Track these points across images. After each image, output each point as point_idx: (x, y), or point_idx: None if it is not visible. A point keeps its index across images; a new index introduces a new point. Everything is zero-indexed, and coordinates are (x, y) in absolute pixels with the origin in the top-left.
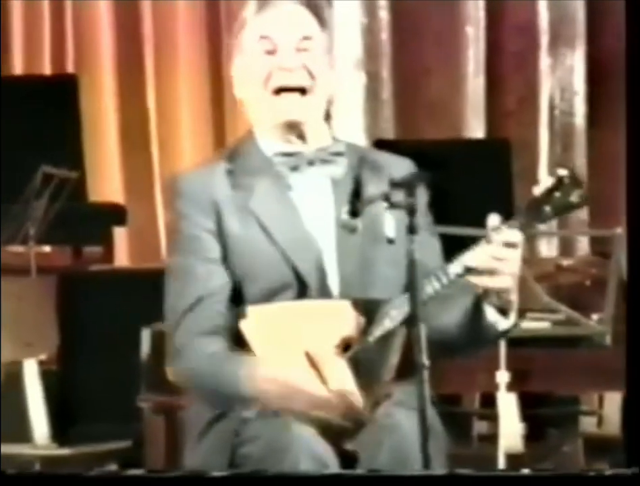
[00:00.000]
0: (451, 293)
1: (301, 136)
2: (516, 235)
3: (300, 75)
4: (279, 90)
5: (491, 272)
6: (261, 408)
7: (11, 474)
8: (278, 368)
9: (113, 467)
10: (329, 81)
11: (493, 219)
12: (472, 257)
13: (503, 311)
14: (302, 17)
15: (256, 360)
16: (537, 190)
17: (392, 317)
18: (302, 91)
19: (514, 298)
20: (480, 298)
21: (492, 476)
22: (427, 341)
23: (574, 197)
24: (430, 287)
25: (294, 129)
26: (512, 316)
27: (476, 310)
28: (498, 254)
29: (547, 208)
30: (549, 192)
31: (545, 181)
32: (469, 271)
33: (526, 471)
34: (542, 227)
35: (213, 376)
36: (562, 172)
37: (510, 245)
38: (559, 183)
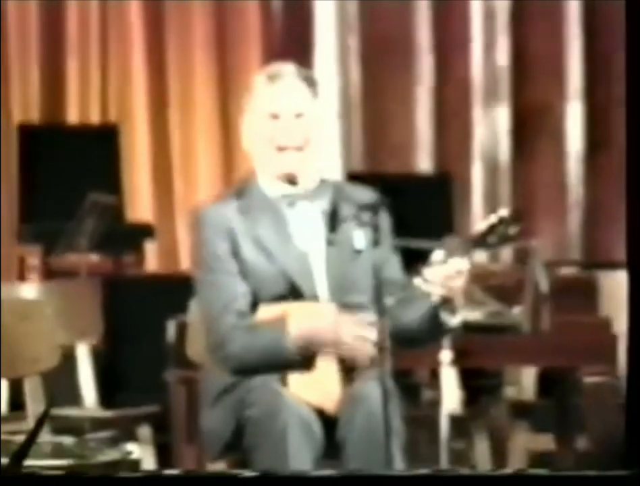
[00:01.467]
0: (412, 298)
1: (295, 182)
2: (463, 263)
3: (297, 137)
4: (281, 148)
5: (442, 287)
6: (308, 354)
7: (13, 474)
8: (306, 324)
9: (145, 427)
10: (319, 139)
11: (438, 254)
12: (430, 274)
13: (452, 312)
14: (300, 90)
15: (284, 325)
16: (483, 225)
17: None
18: (299, 148)
19: (459, 303)
20: (434, 304)
21: (493, 475)
22: (393, 335)
23: (512, 231)
24: (396, 296)
25: (291, 177)
26: (459, 317)
27: (431, 312)
28: (450, 274)
29: (492, 239)
30: (493, 227)
31: (490, 218)
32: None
33: (527, 472)
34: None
35: (258, 352)
36: (503, 212)
37: (459, 272)
38: (500, 221)
